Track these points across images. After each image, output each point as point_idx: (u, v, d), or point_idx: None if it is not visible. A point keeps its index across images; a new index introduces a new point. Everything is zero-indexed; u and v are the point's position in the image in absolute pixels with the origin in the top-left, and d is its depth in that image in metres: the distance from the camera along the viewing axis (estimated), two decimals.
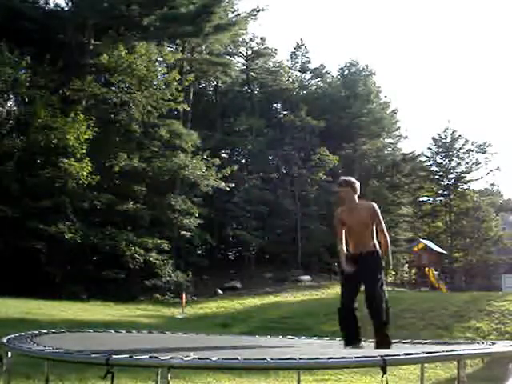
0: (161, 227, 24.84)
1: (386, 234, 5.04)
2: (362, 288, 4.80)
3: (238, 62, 39.91)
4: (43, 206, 19.85)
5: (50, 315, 13.89)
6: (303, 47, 44.28)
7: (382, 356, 2.85)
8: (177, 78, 25.68)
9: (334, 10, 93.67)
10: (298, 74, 45.25)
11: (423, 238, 35.75)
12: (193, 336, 6.05)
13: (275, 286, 27.80)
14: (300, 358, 2.86)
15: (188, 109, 28.53)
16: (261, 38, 40.68)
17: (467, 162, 40.19)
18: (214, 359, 2.81)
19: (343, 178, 5.59)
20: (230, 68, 34.34)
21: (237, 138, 36.48)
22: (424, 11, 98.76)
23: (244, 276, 30.35)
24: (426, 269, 29.75)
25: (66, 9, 27.52)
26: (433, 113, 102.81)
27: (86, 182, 21.14)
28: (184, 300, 19.42)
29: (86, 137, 21.45)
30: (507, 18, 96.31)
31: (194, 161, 25.76)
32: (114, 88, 24.97)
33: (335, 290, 25.92)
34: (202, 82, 38.22)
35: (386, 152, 44.86)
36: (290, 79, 43.19)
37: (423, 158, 42.57)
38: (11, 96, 22.48)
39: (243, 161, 39.21)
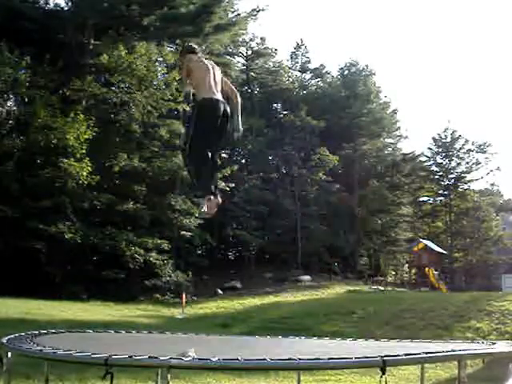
0: (161, 227, 24.83)
1: None
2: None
3: (238, 62, 39.95)
4: (43, 206, 19.84)
5: (49, 315, 13.88)
6: (303, 47, 44.33)
7: (381, 356, 2.85)
8: (177, 78, 25.68)
9: (333, 10, 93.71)
10: (298, 73, 45.31)
11: (423, 238, 35.77)
12: (193, 336, 6.05)
13: (275, 286, 27.80)
14: (300, 359, 2.86)
15: (188, 109, 28.51)
16: (261, 38, 40.74)
17: (467, 162, 40.23)
18: (213, 359, 2.82)
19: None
20: (230, 68, 34.33)
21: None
22: (424, 11, 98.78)
23: (244, 276, 30.36)
24: (426, 269, 29.76)
25: (66, 9, 27.50)
26: (433, 113, 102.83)
27: (85, 182, 21.13)
28: (184, 300, 19.42)
29: (86, 137, 21.45)
30: (507, 18, 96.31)
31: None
32: (114, 88, 24.96)
33: (335, 290, 25.99)
34: None
35: (386, 152, 44.89)
36: (290, 79, 43.21)
37: (423, 158, 42.66)
38: (11, 96, 22.48)
39: (243, 161, 39.21)
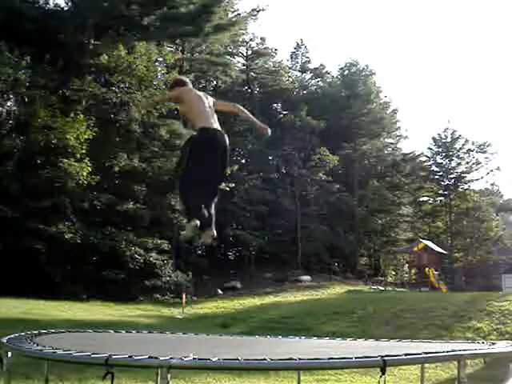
0: (161, 227, 24.82)
1: None
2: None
3: (238, 62, 39.99)
4: (43, 206, 19.84)
5: (49, 315, 13.89)
6: (303, 47, 44.40)
7: (381, 356, 2.84)
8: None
9: (333, 10, 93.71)
10: (298, 73, 45.35)
11: (423, 238, 35.74)
12: (193, 336, 6.05)
13: (275, 286, 27.80)
14: (300, 359, 2.85)
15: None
16: (261, 38, 40.80)
17: (467, 162, 40.19)
18: (213, 360, 2.81)
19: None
20: (230, 68, 34.36)
21: (237, 138, 36.47)
22: (424, 11, 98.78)
23: (244, 276, 30.36)
24: (426, 269, 29.73)
25: (66, 9, 27.50)
26: (433, 113, 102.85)
27: (85, 182, 21.13)
28: (184, 300, 19.42)
29: (86, 137, 21.44)
30: (507, 18, 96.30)
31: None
32: (113, 88, 24.95)
33: (335, 290, 25.98)
34: (202, 81, 38.18)
35: (386, 152, 44.93)
36: (290, 79, 43.20)
37: (423, 158, 42.62)
38: (11, 96, 22.45)
39: (243, 161, 39.21)
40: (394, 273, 39.70)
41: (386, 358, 2.81)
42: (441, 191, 41.66)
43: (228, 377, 7.58)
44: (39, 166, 21.25)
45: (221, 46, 32.49)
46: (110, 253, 21.45)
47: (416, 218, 42.98)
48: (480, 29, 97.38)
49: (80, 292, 19.89)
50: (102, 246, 21.31)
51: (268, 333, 8.27)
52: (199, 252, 31.51)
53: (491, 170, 39.99)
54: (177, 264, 24.97)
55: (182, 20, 26.80)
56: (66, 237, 20.00)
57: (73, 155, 21.07)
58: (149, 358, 2.86)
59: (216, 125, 4.52)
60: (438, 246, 33.38)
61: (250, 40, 39.71)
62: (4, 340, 3.96)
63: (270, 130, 4.73)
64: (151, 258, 22.61)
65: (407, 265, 36.03)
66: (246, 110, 4.86)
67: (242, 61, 40.23)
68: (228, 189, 27.85)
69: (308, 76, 45.86)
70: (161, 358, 2.83)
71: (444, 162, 40.81)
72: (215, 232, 4.44)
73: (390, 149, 45.94)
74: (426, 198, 44.28)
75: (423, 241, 33.11)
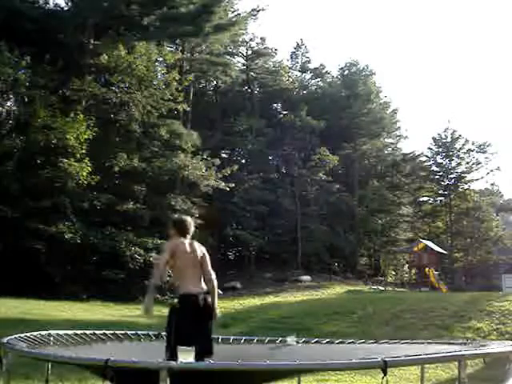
0: (161, 227, 24.76)
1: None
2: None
3: (238, 62, 39.97)
4: (43, 206, 19.82)
5: (49, 315, 13.88)
6: (303, 47, 44.41)
7: (382, 358, 2.84)
8: (177, 78, 25.67)
9: (333, 10, 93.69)
10: (298, 73, 45.35)
11: (423, 238, 35.73)
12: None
13: (275, 286, 27.80)
14: (301, 360, 2.85)
15: (188, 109, 28.51)
16: (261, 38, 40.78)
17: (467, 162, 40.18)
18: (211, 361, 2.81)
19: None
20: (230, 68, 34.34)
21: (237, 138, 36.50)
22: (424, 11, 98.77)
23: (244, 276, 30.35)
24: (426, 269, 29.72)
25: (66, 9, 27.50)
26: (433, 113, 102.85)
27: (85, 182, 21.12)
28: None
29: (86, 137, 21.43)
30: (507, 18, 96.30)
31: (194, 161, 25.75)
32: (113, 88, 24.94)
33: (335, 290, 25.98)
34: (202, 81, 38.19)
35: (386, 152, 44.93)
36: (290, 79, 43.20)
37: (423, 158, 42.61)
38: (11, 96, 22.45)
39: (243, 161, 39.21)
40: (393, 273, 39.69)
41: (386, 360, 2.81)
42: (441, 191, 41.65)
43: None
44: (39, 165, 21.24)
45: (221, 46, 32.47)
46: (110, 253, 21.43)
47: (416, 217, 42.98)
48: (480, 29, 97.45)
49: (80, 292, 19.86)
50: (102, 246, 21.28)
51: (268, 333, 8.26)
52: None
53: (491, 170, 40.03)
54: None
55: (182, 20, 26.78)
56: (66, 237, 19.98)
57: (73, 155, 21.06)
58: (148, 360, 2.86)
59: (198, 289, 4.65)
60: (438, 245, 33.38)
61: (250, 40, 39.76)
62: (4, 340, 3.95)
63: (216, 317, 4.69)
64: (151, 258, 22.58)
65: (407, 265, 36.02)
66: (216, 289, 4.87)
67: (242, 61, 40.23)
68: (228, 189, 27.89)
69: (308, 76, 45.89)
70: (160, 361, 2.83)
71: (444, 162, 40.80)
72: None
73: (390, 149, 45.94)
74: (425, 198, 44.30)
75: (423, 241, 33.10)
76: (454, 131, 40.55)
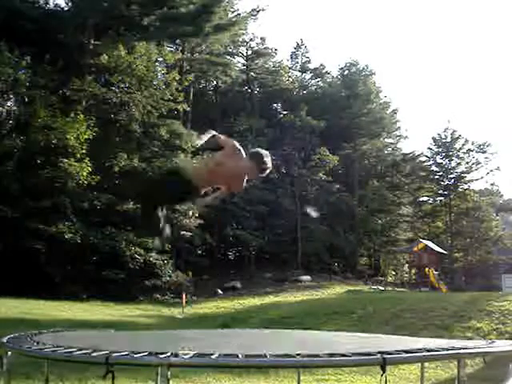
0: None
1: None
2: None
3: (238, 62, 39.99)
4: (43, 206, 19.84)
5: (49, 315, 13.89)
6: (303, 47, 44.39)
7: (381, 354, 2.84)
8: (177, 78, 25.71)
9: (333, 10, 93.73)
10: (298, 73, 45.34)
11: (423, 238, 35.73)
12: (192, 334, 6.04)
13: (275, 286, 27.79)
14: (300, 356, 2.85)
15: (188, 109, 28.55)
16: (261, 38, 40.79)
17: (467, 162, 40.16)
18: (213, 357, 2.81)
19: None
20: (230, 68, 34.37)
21: (237, 138, 36.39)
22: (424, 11, 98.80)
23: (244, 276, 30.35)
24: (426, 269, 29.72)
25: (66, 9, 27.55)
26: (433, 113, 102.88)
27: (85, 182, 21.14)
28: (184, 300, 19.42)
29: (86, 137, 21.46)
30: (507, 18, 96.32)
31: (194, 161, 25.76)
32: (113, 88, 24.97)
33: (335, 290, 25.97)
34: (202, 81, 38.21)
35: (386, 152, 44.93)
36: (290, 79, 43.22)
37: (423, 158, 42.60)
38: (11, 96, 22.47)
39: None
40: (393, 273, 39.69)
41: (386, 357, 2.81)
42: (441, 191, 41.64)
43: (228, 376, 7.58)
44: (39, 165, 21.26)
45: (221, 46, 32.50)
46: (110, 253, 21.45)
47: (416, 217, 42.97)
48: (480, 29, 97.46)
49: (80, 292, 19.89)
50: (102, 246, 21.31)
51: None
52: (199, 252, 31.51)
53: (491, 170, 39.99)
54: (177, 264, 24.97)
55: (182, 20, 26.82)
56: (66, 237, 20.00)
57: (73, 155, 21.09)
58: (149, 356, 2.86)
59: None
60: (438, 246, 33.37)
61: (250, 40, 39.77)
62: (4, 340, 3.96)
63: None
64: (151, 258, 22.61)
65: (407, 265, 36.03)
66: None
67: (242, 61, 40.25)
68: None
69: (308, 76, 45.89)
70: (160, 356, 2.83)
71: (444, 162, 40.79)
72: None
73: (390, 149, 45.94)
74: (425, 198, 44.29)
75: (423, 241, 33.09)
76: (454, 131, 40.57)
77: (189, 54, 31.39)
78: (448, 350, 3.31)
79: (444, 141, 40.57)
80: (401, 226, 41.35)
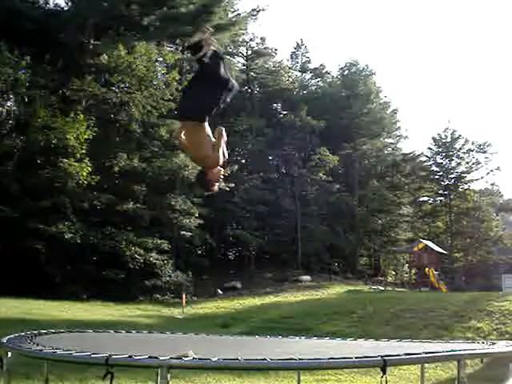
0: (161, 227, 24.83)
1: None
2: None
3: (238, 62, 39.97)
4: (43, 206, 19.84)
5: (49, 315, 13.89)
6: (303, 47, 44.41)
7: (382, 356, 2.84)
8: (177, 78, 25.69)
9: (333, 10, 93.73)
10: (298, 73, 45.34)
11: (423, 238, 35.74)
12: (193, 336, 6.04)
13: (275, 285, 27.80)
14: (300, 359, 2.85)
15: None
16: (261, 38, 40.78)
17: (467, 162, 40.17)
18: (213, 359, 2.81)
19: None
20: (230, 68, 34.34)
21: (237, 138, 36.50)
22: (424, 11, 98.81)
23: (244, 276, 30.36)
24: (426, 269, 29.72)
25: (66, 9, 27.52)
26: (433, 113, 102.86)
27: (85, 182, 21.14)
28: (184, 300, 19.42)
29: (86, 137, 21.46)
30: (507, 18, 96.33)
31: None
32: (113, 88, 24.97)
33: (335, 290, 25.97)
34: None
35: (386, 152, 44.91)
36: (290, 79, 43.20)
37: (423, 158, 42.60)
38: (11, 96, 22.46)
39: (243, 161, 39.21)
40: (394, 273, 39.71)
41: (386, 358, 2.81)
42: (441, 191, 41.65)
43: (228, 377, 7.58)
44: (39, 165, 21.26)
45: (221, 46, 32.45)
46: (109, 253, 21.45)
47: (416, 217, 42.97)
48: (480, 29, 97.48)
49: (80, 292, 19.89)
50: (102, 246, 21.32)
51: (268, 333, 8.26)
52: (199, 252, 31.51)
53: (491, 170, 40.00)
54: (177, 264, 24.97)
55: (182, 20, 26.77)
56: (66, 237, 20.00)
57: (73, 155, 21.09)
58: (149, 357, 2.86)
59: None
60: (438, 246, 33.38)
61: (250, 40, 39.75)
62: (4, 340, 3.95)
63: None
64: (151, 258, 22.61)
65: (407, 265, 36.04)
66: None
67: (242, 61, 40.24)
68: (228, 189, 27.87)
69: (308, 76, 45.90)
70: (160, 358, 2.83)
71: (444, 162, 40.80)
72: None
73: (390, 149, 45.93)
74: (426, 198, 44.28)
75: (423, 241, 33.11)
76: (454, 131, 40.58)
77: (189, 54, 31.38)
78: (448, 351, 3.31)
79: (444, 141, 40.57)
80: (401, 225, 41.35)
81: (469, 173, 40.42)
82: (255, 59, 40.57)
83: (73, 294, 19.17)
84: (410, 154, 43.55)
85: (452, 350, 3.46)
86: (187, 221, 25.13)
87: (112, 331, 5.85)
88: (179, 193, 25.81)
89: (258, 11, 34.44)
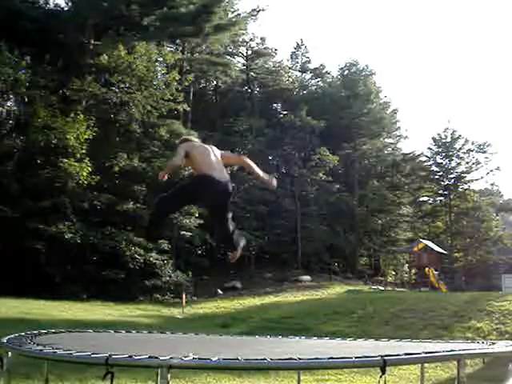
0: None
1: None
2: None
3: (238, 62, 39.99)
4: (43, 206, 19.85)
5: (50, 315, 13.89)
6: (303, 47, 44.40)
7: (382, 356, 2.84)
8: (177, 78, 25.69)
9: (333, 10, 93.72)
10: (298, 73, 45.34)
11: (423, 238, 35.74)
12: (193, 336, 6.05)
13: (275, 285, 27.80)
14: (300, 358, 2.85)
15: (188, 109, 28.51)
16: (261, 38, 40.81)
17: (467, 162, 40.16)
18: (213, 359, 2.81)
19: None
20: (230, 68, 34.35)
21: (237, 138, 36.49)
22: (424, 11, 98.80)
23: (244, 276, 30.34)
24: (426, 269, 29.73)
25: (66, 9, 27.56)
26: (433, 113, 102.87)
27: (85, 182, 21.15)
28: (184, 300, 19.42)
29: (86, 137, 21.46)
30: (507, 18, 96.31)
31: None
32: (114, 88, 24.97)
33: (335, 290, 25.98)
34: (202, 81, 38.19)
35: (386, 152, 44.91)
36: (290, 79, 43.20)
37: (423, 158, 42.60)
38: (11, 96, 22.47)
39: None
40: (394, 273, 39.71)
41: (386, 358, 2.81)
42: (441, 191, 41.64)
43: (228, 377, 7.58)
44: (39, 165, 21.26)
45: (221, 46, 32.50)
46: (109, 253, 21.45)
47: (416, 217, 42.97)
48: (480, 28, 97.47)
49: (80, 292, 19.89)
50: (102, 246, 21.32)
51: (268, 333, 8.26)
52: (199, 252, 31.49)
53: (491, 170, 39.99)
54: (177, 264, 24.96)
55: (182, 20, 26.80)
56: (66, 237, 20.00)
57: (73, 155, 21.09)
58: (149, 357, 2.86)
59: (217, 173, 4.43)
60: (438, 246, 33.38)
61: (250, 40, 39.76)
62: (4, 340, 3.95)
63: (275, 182, 4.76)
64: (151, 258, 22.61)
65: (407, 265, 36.04)
66: (251, 163, 4.88)
67: (242, 61, 40.24)
68: None
69: (308, 76, 45.89)
70: (161, 358, 2.83)
71: (444, 162, 40.79)
72: (238, 253, 4.69)
73: (390, 149, 45.92)
74: (425, 198, 44.29)
75: (423, 241, 33.11)
76: (454, 131, 40.57)
77: (189, 54, 31.38)
78: (448, 351, 3.31)
79: (444, 141, 40.57)
80: (401, 226, 41.35)
81: (469, 173, 40.42)
82: (255, 59, 40.58)
83: (73, 294, 19.17)
84: (410, 154, 43.55)
85: (452, 350, 3.47)
86: (187, 221, 25.12)
87: (112, 331, 5.85)
88: None
89: (258, 11, 34.51)
